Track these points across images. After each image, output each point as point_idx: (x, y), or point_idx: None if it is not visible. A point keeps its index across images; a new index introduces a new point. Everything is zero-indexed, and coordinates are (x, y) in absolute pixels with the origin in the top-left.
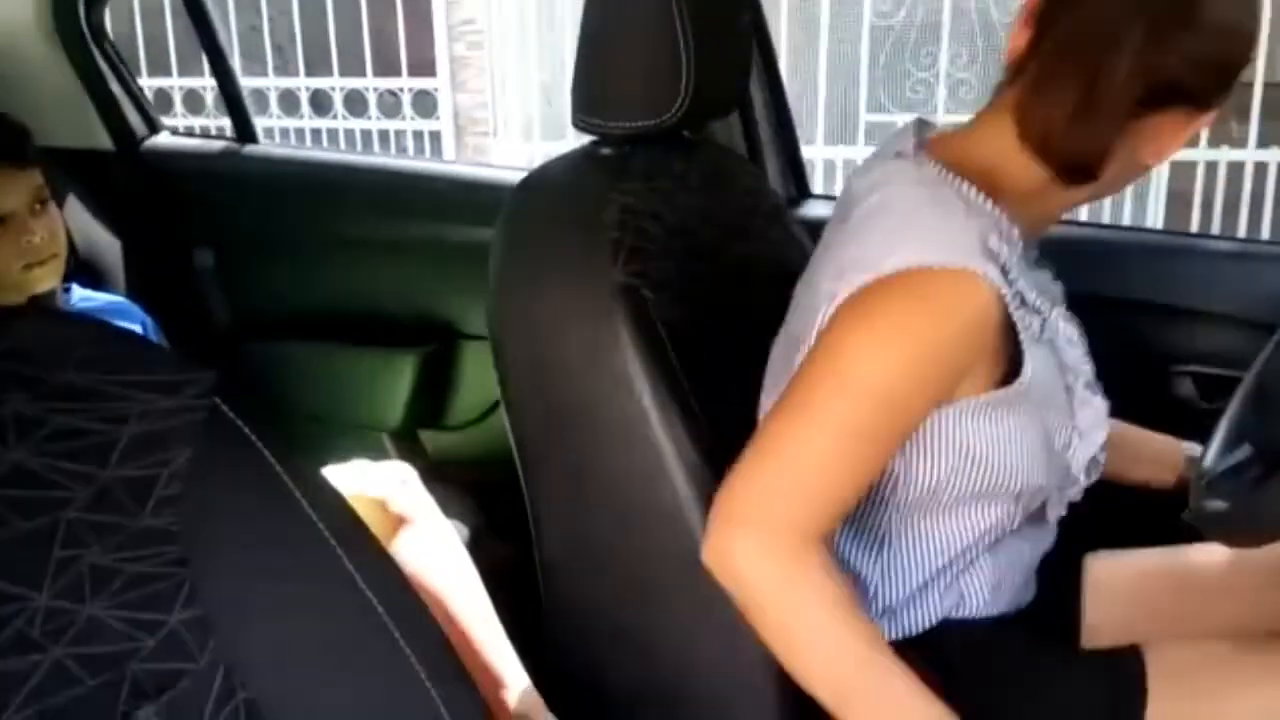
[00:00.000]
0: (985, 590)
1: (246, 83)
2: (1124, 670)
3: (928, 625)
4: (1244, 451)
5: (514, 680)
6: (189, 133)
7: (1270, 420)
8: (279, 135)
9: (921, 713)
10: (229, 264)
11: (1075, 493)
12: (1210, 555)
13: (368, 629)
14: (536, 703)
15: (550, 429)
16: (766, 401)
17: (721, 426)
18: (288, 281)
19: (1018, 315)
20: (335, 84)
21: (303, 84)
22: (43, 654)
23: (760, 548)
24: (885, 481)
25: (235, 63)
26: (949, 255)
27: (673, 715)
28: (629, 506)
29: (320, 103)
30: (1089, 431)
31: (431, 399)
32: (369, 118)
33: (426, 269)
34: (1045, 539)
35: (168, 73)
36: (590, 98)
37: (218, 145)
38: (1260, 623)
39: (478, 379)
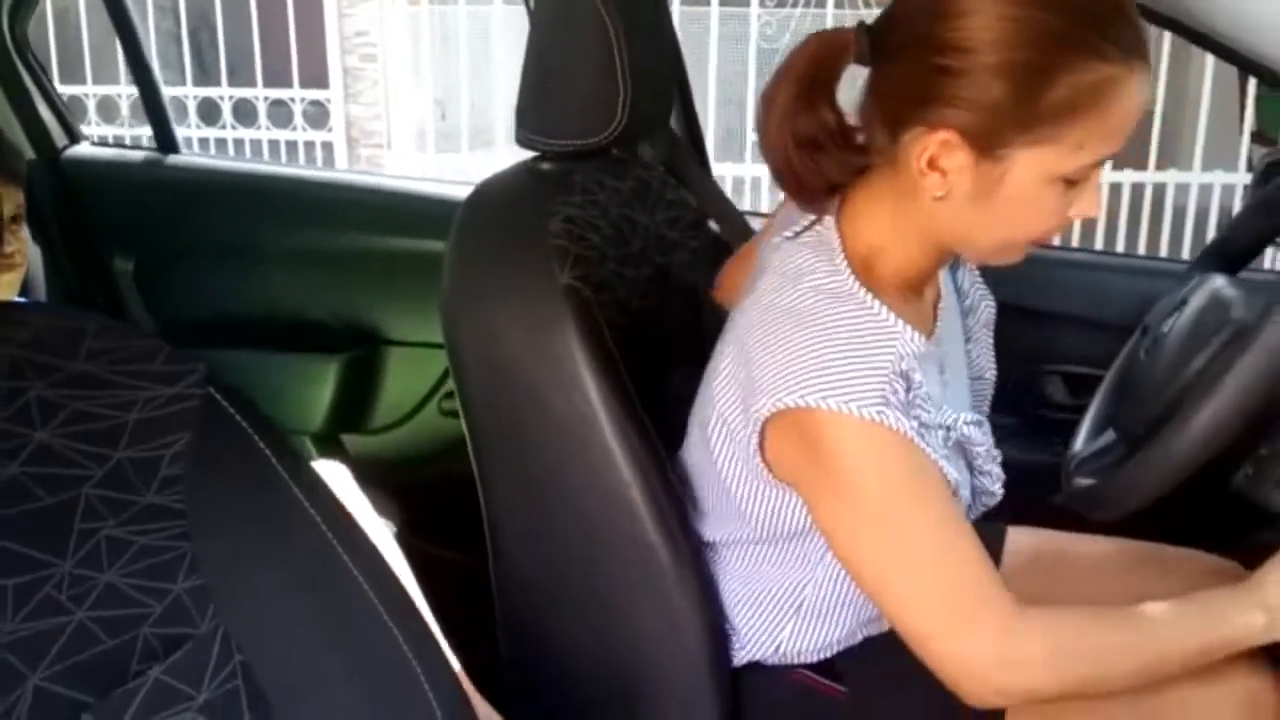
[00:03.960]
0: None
1: (131, 90)
2: None
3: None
4: (1108, 436)
5: None
6: (104, 142)
7: (1129, 409)
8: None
9: (1219, 613)
10: (149, 272)
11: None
12: (1073, 539)
13: (353, 601)
14: (470, 689)
15: (504, 423)
16: (698, 431)
17: (652, 415)
18: (209, 289)
19: (919, 439)
20: (224, 93)
21: (190, 93)
22: (69, 616)
23: (1004, 669)
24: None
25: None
26: (850, 402)
27: (622, 685)
28: (578, 491)
29: (208, 112)
30: (982, 494)
31: (353, 403)
32: (259, 127)
33: (348, 276)
34: None
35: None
36: (535, 118)
37: (139, 155)
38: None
39: (399, 384)
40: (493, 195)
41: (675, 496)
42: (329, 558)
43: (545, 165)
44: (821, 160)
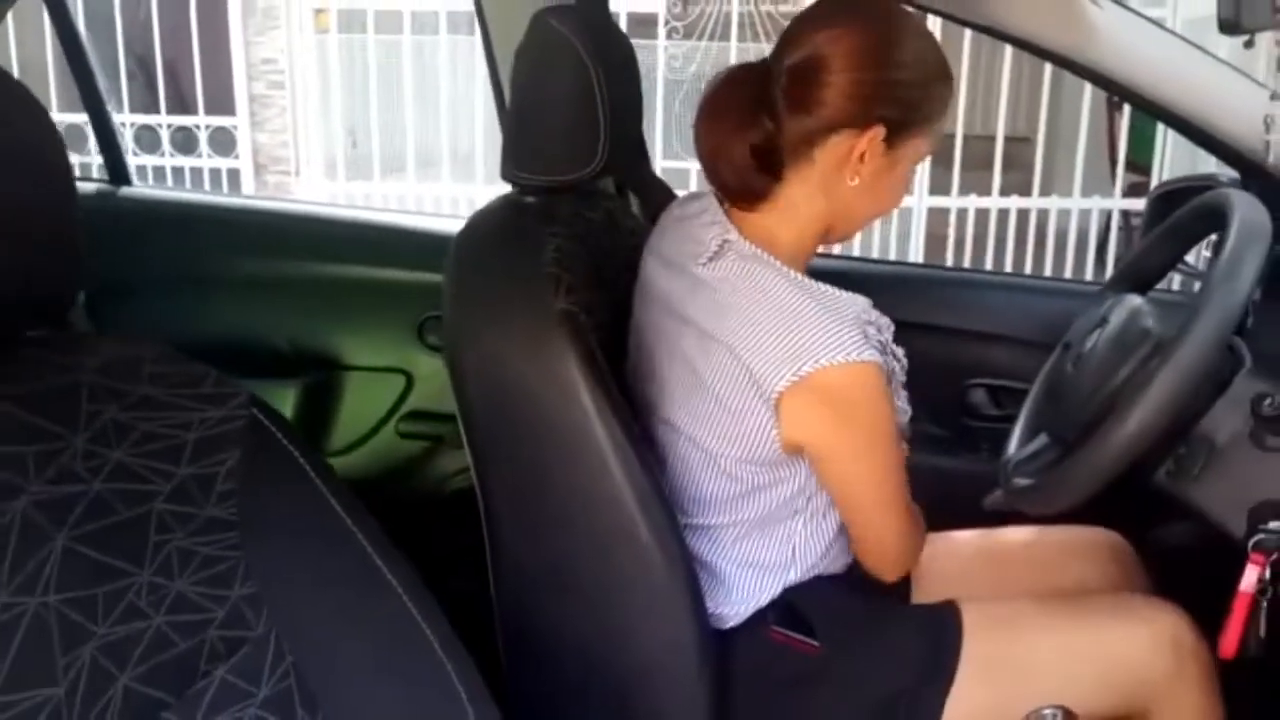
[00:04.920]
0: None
1: (63, 118)
2: (944, 616)
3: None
4: (1041, 441)
5: None
6: None
7: (1061, 416)
8: (98, 172)
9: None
10: (103, 303)
11: None
12: (1013, 534)
13: (388, 604)
14: None
15: (506, 436)
16: (684, 428)
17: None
18: (165, 319)
19: (887, 368)
20: (126, 119)
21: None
22: (148, 621)
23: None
24: (802, 498)
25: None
26: (850, 352)
27: (618, 670)
28: (575, 495)
29: None
30: (900, 416)
31: (312, 427)
32: (162, 154)
33: (305, 304)
34: None
35: None
36: (522, 155)
37: (90, 187)
38: (1052, 586)
39: (356, 407)
40: (486, 228)
41: (663, 495)
42: (365, 564)
43: (529, 199)
44: (760, 167)
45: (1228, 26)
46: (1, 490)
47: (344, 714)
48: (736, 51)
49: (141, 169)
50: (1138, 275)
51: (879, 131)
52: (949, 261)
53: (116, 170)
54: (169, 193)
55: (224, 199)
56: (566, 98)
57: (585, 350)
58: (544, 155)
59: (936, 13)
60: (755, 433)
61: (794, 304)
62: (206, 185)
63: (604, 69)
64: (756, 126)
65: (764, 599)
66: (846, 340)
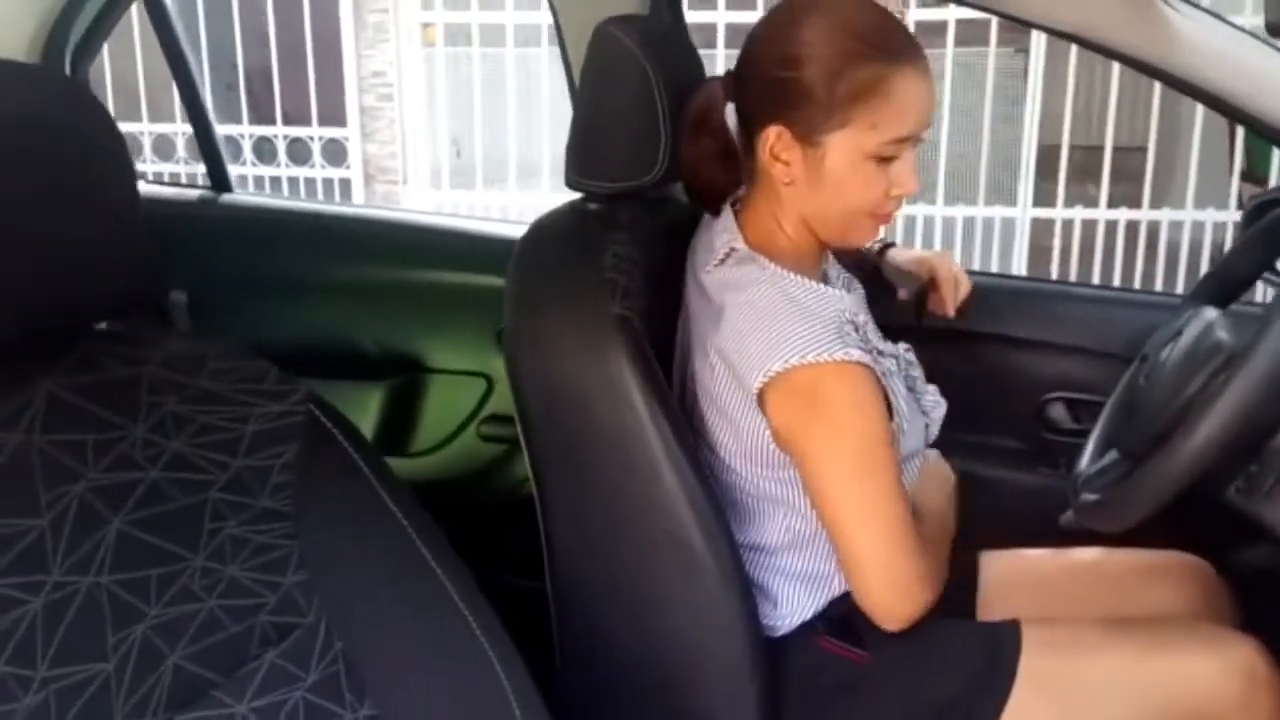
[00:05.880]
0: None
1: (153, 128)
2: (1003, 633)
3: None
4: (1111, 456)
5: None
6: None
7: (1131, 430)
8: (185, 179)
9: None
10: (202, 305)
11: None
12: (1088, 553)
13: (433, 592)
14: None
15: (561, 439)
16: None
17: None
18: (260, 320)
19: (878, 366)
20: (244, 131)
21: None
22: (201, 604)
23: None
24: None
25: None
26: (821, 353)
27: (671, 676)
28: (628, 499)
29: (229, 150)
30: (932, 410)
31: (396, 428)
32: (278, 165)
33: (392, 308)
34: None
35: None
36: (585, 162)
37: (194, 194)
38: (1128, 608)
39: (439, 409)
40: (549, 232)
41: (715, 501)
42: (417, 560)
43: (593, 205)
44: (716, 171)
45: (1275, 29)
46: (61, 475)
47: (390, 703)
48: None
49: (259, 179)
50: (1219, 287)
51: (778, 131)
52: (1054, 274)
53: (218, 178)
54: (267, 200)
55: (317, 206)
56: (628, 106)
57: (639, 355)
58: (606, 162)
59: (1024, 23)
60: (752, 433)
61: (769, 305)
62: (320, 195)
63: (666, 78)
64: (703, 137)
65: (809, 612)
66: (821, 338)
